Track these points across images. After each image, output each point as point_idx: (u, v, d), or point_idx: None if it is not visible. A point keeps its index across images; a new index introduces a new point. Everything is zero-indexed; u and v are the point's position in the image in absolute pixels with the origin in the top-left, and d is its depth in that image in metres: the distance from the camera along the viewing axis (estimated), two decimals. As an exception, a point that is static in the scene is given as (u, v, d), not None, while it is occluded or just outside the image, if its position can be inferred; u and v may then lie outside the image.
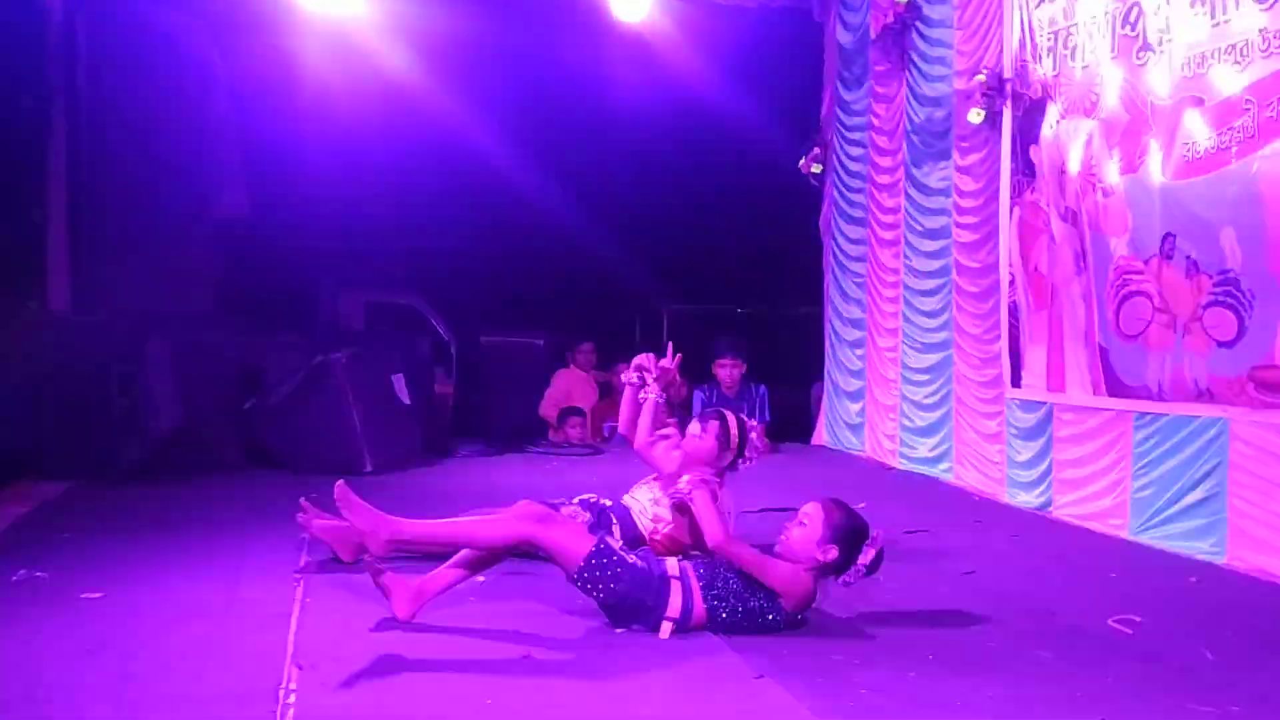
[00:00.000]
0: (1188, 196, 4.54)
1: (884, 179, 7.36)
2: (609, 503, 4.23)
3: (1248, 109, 4.20)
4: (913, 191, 6.98)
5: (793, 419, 8.61)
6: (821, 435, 8.35)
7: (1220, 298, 4.36)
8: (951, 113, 6.46)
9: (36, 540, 4.54)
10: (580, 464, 7.12)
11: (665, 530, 4.16)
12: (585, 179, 10.52)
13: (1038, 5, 5.57)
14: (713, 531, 3.36)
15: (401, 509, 5.32)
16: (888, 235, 7.33)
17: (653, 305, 11.75)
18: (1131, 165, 4.87)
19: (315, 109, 8.32)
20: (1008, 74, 5.82)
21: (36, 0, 6.24)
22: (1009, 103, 5.81)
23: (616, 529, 4.04)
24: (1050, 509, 5.45)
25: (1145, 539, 4.75)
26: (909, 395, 7.03)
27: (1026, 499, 5.66)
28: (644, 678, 2.88)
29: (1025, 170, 5.73)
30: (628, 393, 4.40)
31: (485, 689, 2.76)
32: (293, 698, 2.63)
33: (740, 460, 4.18)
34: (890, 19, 6.96)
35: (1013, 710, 2.67)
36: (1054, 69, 5.48)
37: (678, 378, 4.66)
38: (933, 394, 6.77)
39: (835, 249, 8.16)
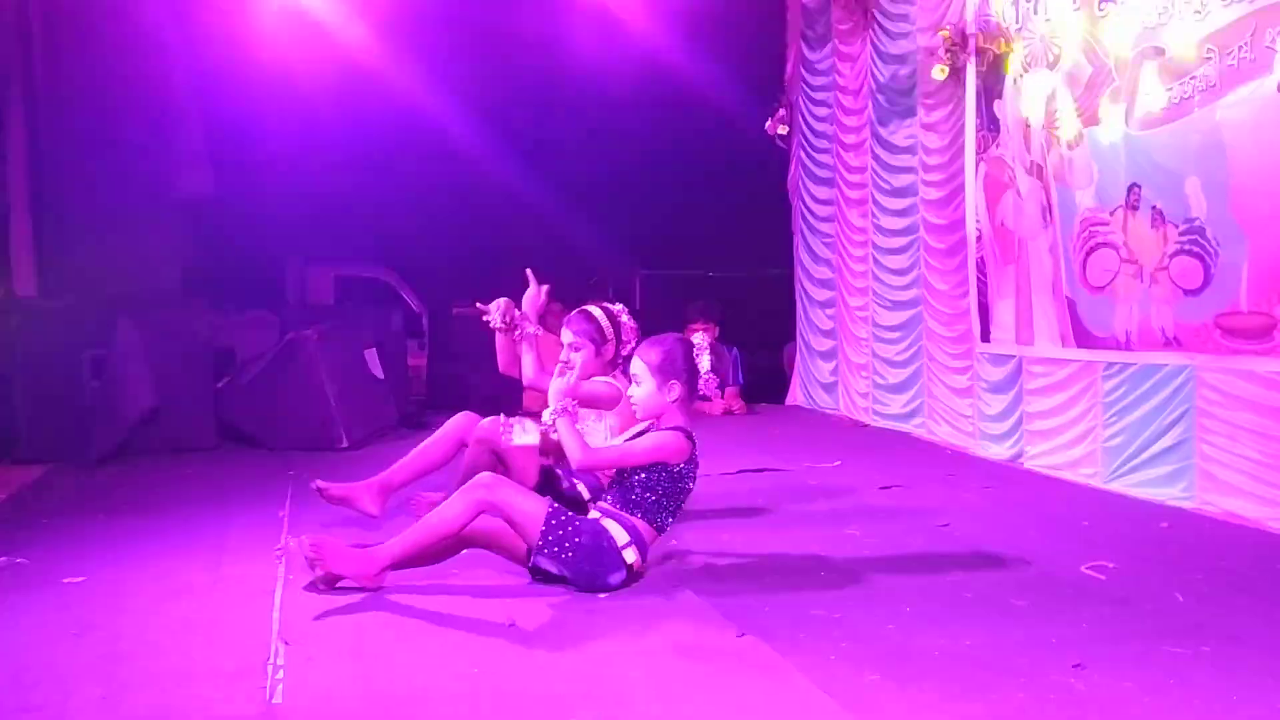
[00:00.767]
0: (1152, 147, 4.58)
1: (850, 138, 7.38)
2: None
3: (1209, 58, 4.24)
4: (879, 150, 7.00)
5: (767, 381, 8.67)
6: (796, 395, 8.41)
7: (1186, 246, 4.42)
8: (916, 70, 6.48)
9: (15, 526, 4.52)
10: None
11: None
12: (551, 146, 10.47)
13: (999, -41, 5.58)
14: (573, 454, 3.43)
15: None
16: (855, 194, 7.35)
17: (624, 271, 11.75)
18: (1094, 117, 4.91)
19: (277, 85, 8.22)
20: (971, 29, 5.83)
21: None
22: (972, 58, 5.83)
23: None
24: (1022, 460, 5.53)
25: (1116, 486, 4.83)
26: (880, 353, 7.09)
27: (998, 451, 5.74)
28: (628, 642, 2.92)
29: (990, 125, 5.76)
30: (500, 340, 4.38)
31: (471, 658, 2.79)
32: (281, 673, 2.65)
33: (622, 345, 4.22)
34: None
35: (991, 658, 2.73)
36: (1017, 22, 5.49)
37: (552, 306, 4.66)
38: (903, 351, 6.83)
39: (803, 210, 8.18)
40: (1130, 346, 4.78)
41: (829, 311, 7.87)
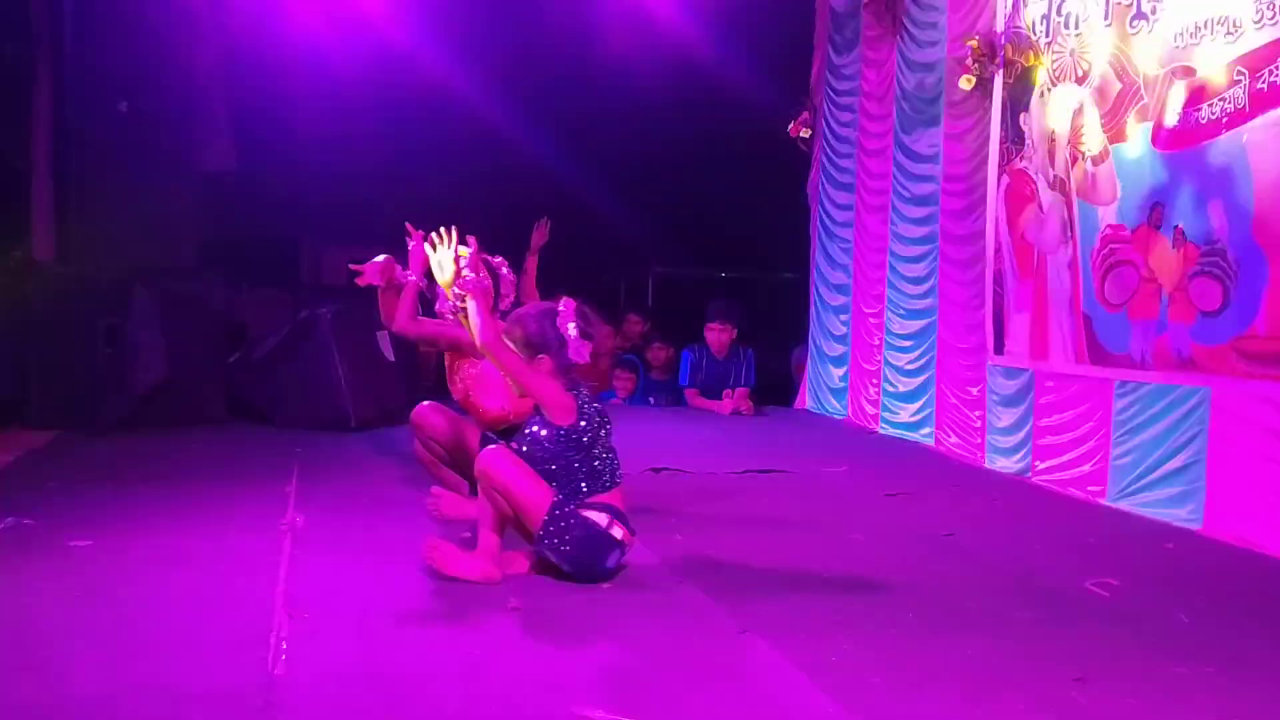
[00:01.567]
0: (1177, 166, 4.57)
1: (873, 145, 7.36)
2: None
3: (1238, 80, 4.22)
4: (901, 158, 6.98)
5: (773, 383, 8.66)
6: (804, 399, 8.40)
7: (1206, 268, 4.40)
8: (942, 79, 6.46)
9: (22, 488, 4.55)
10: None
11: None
12: (573, 140, 10.45)
13: (1032, -28, 5.56)
14: (483, 330, 3.41)
15: (386, 466, 5.38)
16: (875, 201, 7.34)
17: (639, 267, 11.73)
18: (1121, 134, 4.89)
19: (303, 63, 8.22)
20: (1000, 40, 5.81)
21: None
22: (1000, 70, 5.82)
23: None
24: (1029, 474, 5.52)
25: (1124, 505, 4.82)
26: (892, 361, 7.07)
27: (1006, 464, 5.72)
28: (629, 633, 2.92)
29: (1015, 138, 5.74)
30: (382, 297, 4.49)
31: (473, 639, 2.80)
32: (284, 645, 2.66)
33: (501, 299, 4.27)
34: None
35: (991, 668, 2.72)
36: (1047, 35, 5.48)
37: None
38: (915, 360, 6.82)
39: (823, 215, 8.17)
40: (1145, 366, 4.77)
41: (842, 317, 7.86)
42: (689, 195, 10.96)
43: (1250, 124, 4.16)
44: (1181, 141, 4.54)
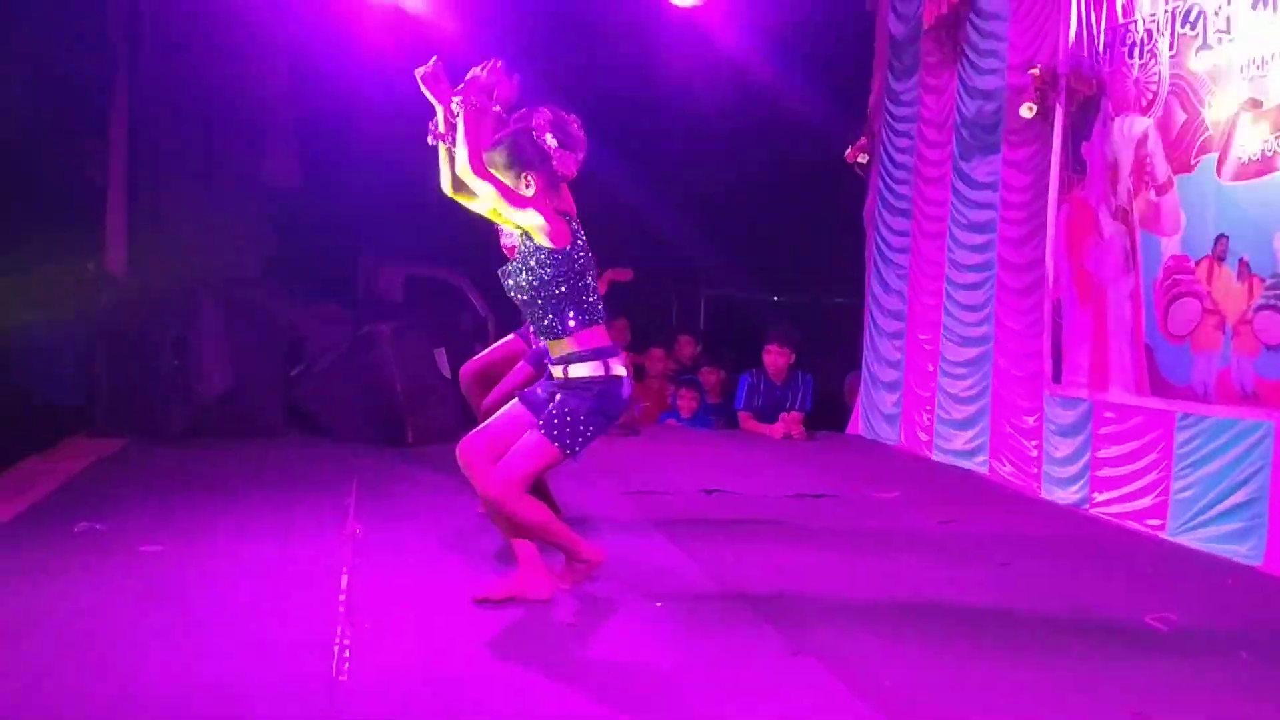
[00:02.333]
0: (1243, 198, 4.52)
1: (931, 171, 7.35)
2: None
3: (1307, 112, 4.18)
4: (960, 185, 6.96)
5: (828, 408, 8.64)
6: (857, 425, 8.37)
7: (1271, 301, 4.34)
8: (1002, 106, 6.44)
9: (94, 495, 4.69)
10: (616, 444, 7.18)
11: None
12: (628, 159, 10.52)
13: (1097, 1, 5.54)
14: (470, 152, 3.30)
15: (442, 481, 5.45)
16: (932, 228, 7.32)
17: (691, 289, 11.77)
18: (1185, 165, 4.85)
19: (367, 81, 8.37)
20: (1062, 69, 5.79)
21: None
22: (1062, 98, 5.79)
23: None
24: (1087, 506, 5.46)
25: (1184, 539, 4.74)
26: (946, 388, 7.03)
27: (1063, 495, 5.66)
28: (681, 651, 2.94)
29: (1075, 167, 5.71)
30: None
31: (530, 650, 2.84)
32: (347, 649, 2.72)
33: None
34: (944, 10, 6.93)
35: (1046, 698, 2.71)
36: (1110, 65, 5.45)
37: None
38: (971, 387, 6.77)
39: (879, 240, 8.15)
40: (1208, 399, 4.71)
41: (897, 343, 7.83)
42: (742, 217, 10.99)
43: (1319, 156, 4.12)
44: (1247, 173, 4.49)
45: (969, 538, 4.73)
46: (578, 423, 3.31)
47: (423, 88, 3.57)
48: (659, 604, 3.23)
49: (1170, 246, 4.94)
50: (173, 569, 3.49)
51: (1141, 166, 5.14)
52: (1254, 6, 4.48)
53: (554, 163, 3.40)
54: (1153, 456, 5.04)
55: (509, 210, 3.37)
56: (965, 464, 6.69)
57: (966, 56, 6.83)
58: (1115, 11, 5.39)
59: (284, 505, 4.63)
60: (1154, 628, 3.42)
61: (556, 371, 3.42)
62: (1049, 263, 5.91)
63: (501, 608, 3.22)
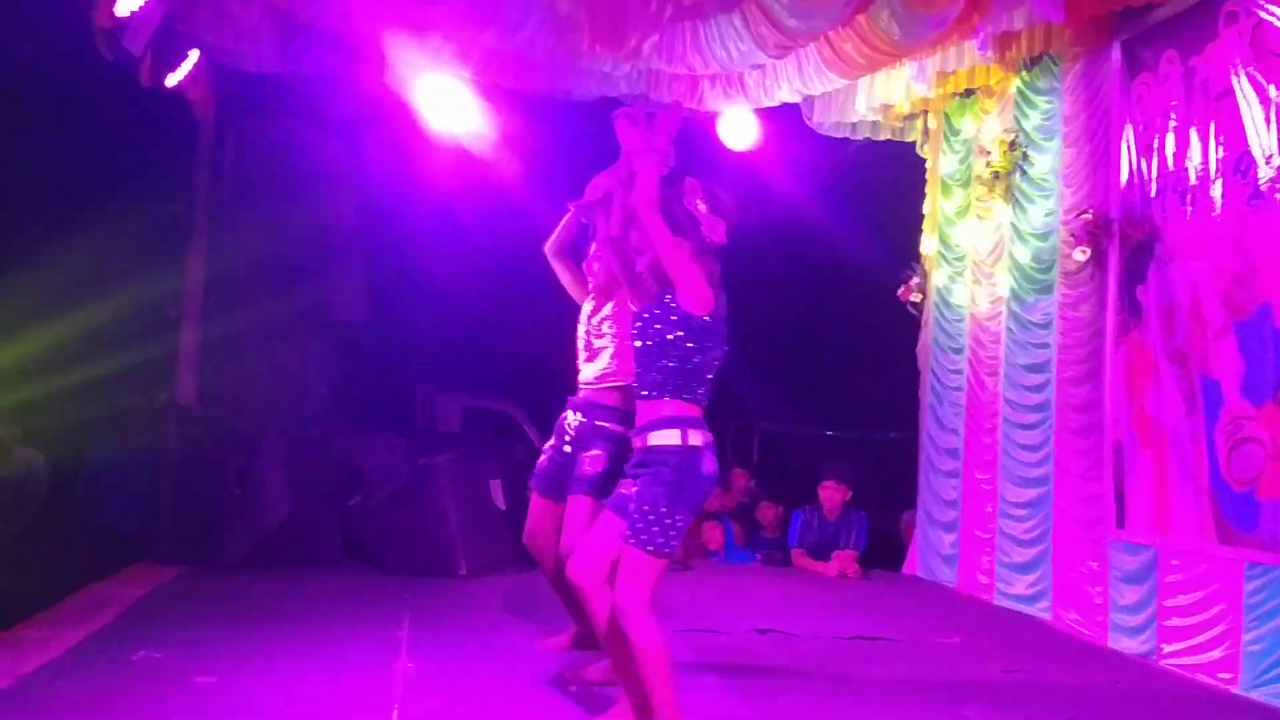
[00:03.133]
0: (1302, 344, 4.50)
1: (985, 311, 7.39)
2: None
3: (1365, 260, 4.18)
4: (1014, 325, 6.99)
5: (881, 546, 8.51)
6: (913, 565, 8.23)
7: (1337, 448, 4.27)
8: (1056, 248, 6.50)
9: (152, 622, 4.74)
10: (669, 580, 7.12)
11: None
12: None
13: (1146, 149, 5.64)
14: (641, 192, 3.28)
15: (495, 612, 5.44)
16: (987, 367, 7.32)
17: (744, 422, 11.78)
18: (1243, 309, 4.85)
19: (431, 217, 8.68)
20: (1114, 214, 5.86)
21: (190, 113, 6.74)
22: (1115, 242, 5.85)
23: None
24: (1156, 656, 5.29)
25: (1256, 695, 4.56)
26: (1006, 530, 6.91)
27: (1130, 644, 5.49)
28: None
29: (1131, 310, 5.73)
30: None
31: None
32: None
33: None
34: (994, 155, 7.09)
35: None
36: (1163, 211, 5.51)
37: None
38: (1031, 530, 6.65)
39: (933, 378, 8.16)
40: (1276, 548, 4.59)
41: (953, 482, 7.75)
42: (796, 353, 11.07)
43: (1379, 303, 4.10)
44: (1307, 318, 4.48)
45: (1035, 687, 4.60)
46: (661, 517, 3.18)
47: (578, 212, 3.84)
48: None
49: (1231, 391, 4.90)
50: (227, 701, 3.50)
51: (1198, 311, 5.14)
52: (1305, 156, 4.54)
53: (703, 228, 3.39)
54: (1221, 607, 4.89)
55: (666, 259, 3.31)
56: (1028, 609, 6.52)
57: (1019, 200, 6.95)
58: (1166, 159, 5.48)
59: (337, 636, 4.64)
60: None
61: (638, 441, 3.36)
62: (1108, 405, 5.87)
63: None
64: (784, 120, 7.84)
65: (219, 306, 7.14)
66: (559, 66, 6.50)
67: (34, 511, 5.34)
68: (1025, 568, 6.67)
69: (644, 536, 3.18)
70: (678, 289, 3.30)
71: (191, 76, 6.23)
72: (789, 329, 10.92)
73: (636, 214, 3.33)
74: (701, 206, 3.38)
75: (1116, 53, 5.91)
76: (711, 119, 7.57)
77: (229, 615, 4.97)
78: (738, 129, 7.89)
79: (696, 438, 3.26)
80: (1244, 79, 4.87)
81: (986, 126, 7.34)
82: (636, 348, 3.40)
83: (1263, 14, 4.75)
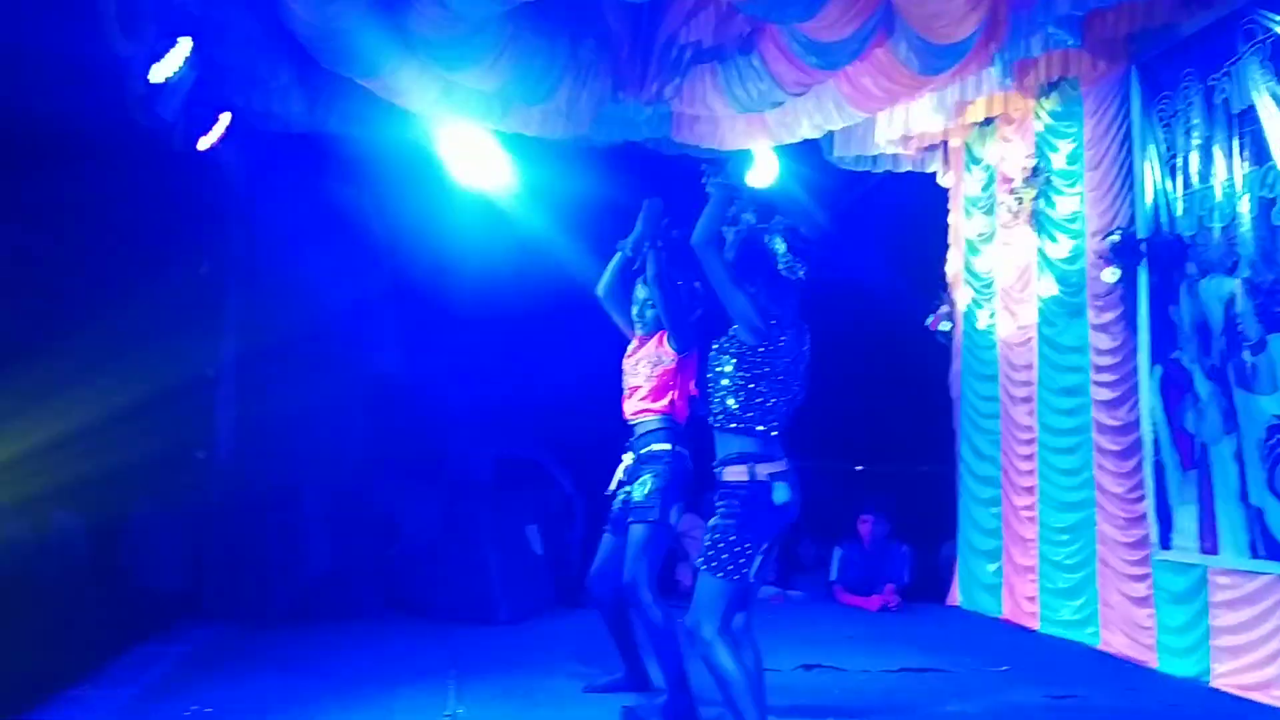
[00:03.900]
0: (1341, 355, 4.47)
1: (1015, 337, 7.38)
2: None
3: (1400, 268, 4.17)
4: (1046, 349, 6.97)
5: (923, 579, 8.43)
6: (956, 596, 8.15)
7: (1383, 459, 4.23)
8: (1084, 270, 6.50)
9: (200, 678, 4.76)
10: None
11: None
12: (707, 332, 10.70)
13: (1170, 169, 5.65)
14: (709, 228, 3.45)
15: (537, 657, 5.44)
16: (1021, 393, 7.29)
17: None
18: (1278, 323, 4.83)
19: (460, 269, 8.75)
20: (1141, 234, 5.87)
21: (221, 175, 6.86)
22: (1145, 262, 5.84)
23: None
24: (1209, 679, 5.21)
25: (1316, 713, 4.50)
26: (1049, 556, 6.85)
27: (1182, 667, 5.41)
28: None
29: (1165, 328, 5.71)
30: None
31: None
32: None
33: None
34: (1018, 184, 7.11)
35: None
36: (1191, 229, 5.51)
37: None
38: (1074, 554, 6.59)
39: (967, 406, 8.12)
40: (1327, 561, 4.54)
41: (993, 510, 7.69)
42: (825, 387, 11.03)
43: None
44: (1344, 330, 4.46)
45: (1086, 713, 4.54)
46: (730, 545, 3.33)
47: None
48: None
49: (1270, 405, 4.87)
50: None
51: (1233, 326, 5.13)
52: (1332, 168, 4.54)
53: (782, 267, 3.52)
54: (1273, 624, 4.83)
55: (723, 289, 3.47)
56: (1075, 635, 6.45)
57: (1044, 225, 6.96)
58: (1191, 177, 5.49)
59: (384, 686, 4.65)
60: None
61: (718, 474, 3.50)
62: (1145, 425, 5.84)
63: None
64: (806, 156, 7.89)
65: (255, 363, 7.22)
66: (582, 114, 6.58)
67: (76, 575, 5.39)
68: (1070, 593, 6.59)
69: (715, 563, 3.33)
70: (735, 315, 3.45)
71: (223, 139, 6.36)
72: (817, 364, 10.90)
73: (700, 247, 3.47)
74: (780, 246, 3.50)
75: (1135, 74, 5.95)
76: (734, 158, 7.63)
77: (276, 669, 4.99)
78: (759, 167, 7.95)
79: (764, 471, 3.39)
80: (1265, 94, 4.90)
81: (1008, 154, 7.38)
82: (708, 380, 3.55)
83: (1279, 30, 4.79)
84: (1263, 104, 4.91)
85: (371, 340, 7.93)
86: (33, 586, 4.62)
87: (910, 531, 8.31)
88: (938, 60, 5.61)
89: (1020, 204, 7.11)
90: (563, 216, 8.93)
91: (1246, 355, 5.04)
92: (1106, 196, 6.29)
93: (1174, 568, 5.58)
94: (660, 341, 4.79)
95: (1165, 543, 5.63)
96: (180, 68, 5.25)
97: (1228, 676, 5.07)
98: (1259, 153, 4.95)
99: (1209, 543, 5.27)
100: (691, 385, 4.67)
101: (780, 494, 3.40)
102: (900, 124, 7.40)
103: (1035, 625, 6.87)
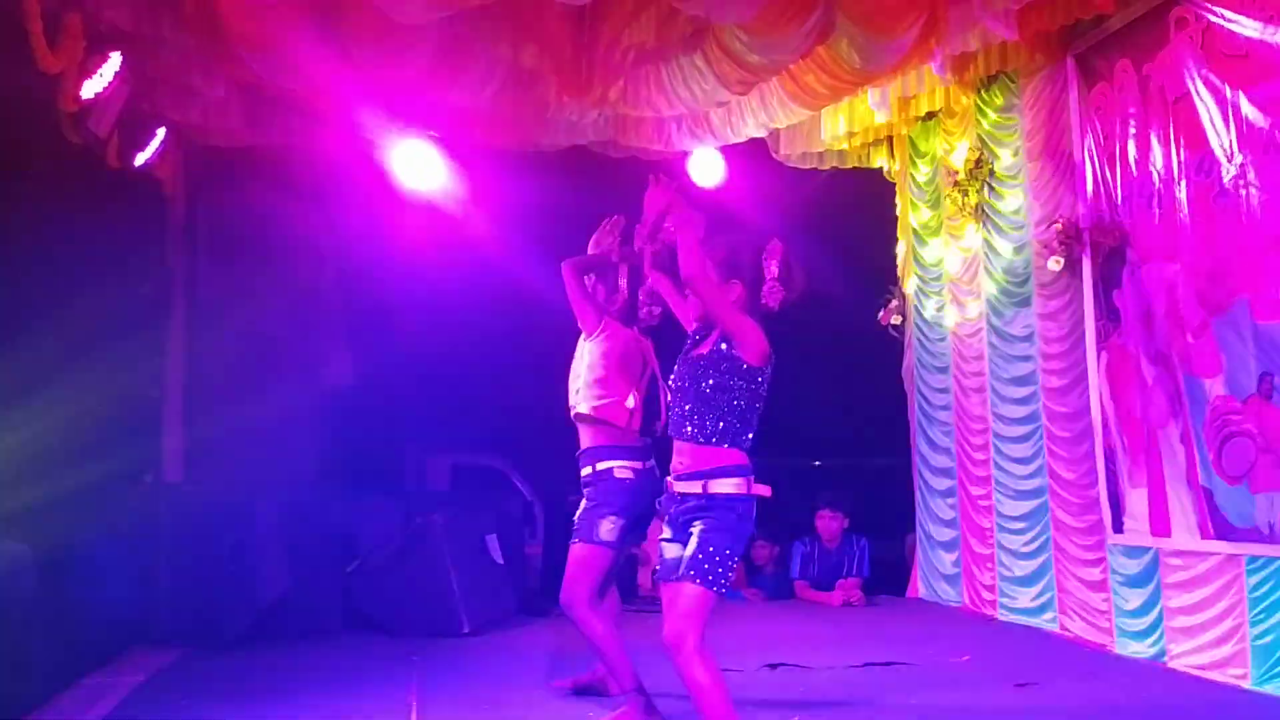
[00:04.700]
0: (1281, 336, 4.55)
1: (965, 328, 7.45)
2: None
3: (1334, 249, 4.25)
4: (995, 340, 7.04)
5: (885, 572, 8.48)
6: (917, 587, 8.21)
7: (1326, 436, 4.31)
8: (1030, 260, 6.58)
9: (156, 708, 4.66)
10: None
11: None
12: (665, 337, 10.70)
13: (1109, 157, 5.73)
14: (693, 255, 3.40)
15: (502, 668, 5.39)
16: (973, 383, 7.36)
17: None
18: (1220, 307, 4.91)
19: (407, 279, 8.68)
20: (1084, 222, 5.94)
21: (160, 191, 6.74)
22: (1087, 250, 5.92)
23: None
24: (1165, 659, 5.28)
25: (1269, 690, 4.57)
26: (1005, 544, 6.92)
27: (1139, 649, 5.49)
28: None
29: (1110, 315, 5.79)
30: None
31: None
32: None
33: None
34: (961, 177, 7.18)
35: None
36: (1131, 215, 5.59)
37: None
38: (1030, 542, 6.66)
39: (920, 399, 8.19)
40: (1274, 539, 4.61)
41: (950, 501, 7.76)
42: (778, 382, 11.06)
43: (1353, 290, 4.16)
44: (1282, 311, 4.54)
45: (1050, 700, 4.59)
46: (725, 558, 3.34)
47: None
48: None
49: (1215, 388, 4.95)
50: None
51: (1175, 311, 5.20)
52: (1266, 152, 4.62)
53: (764, 288, 3.50)
54: (1225, 603, 4.91)
55: (719, 312, 3.45)
56: (1034, 622, 6.52)
57: (989, 217, 7.03)
58: (1129, 165, 5.57)
59: (345, 706, 4.58)
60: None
61: (692, 488, 3.43)
62: (1094, 411, 5.91)
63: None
64: (750, 155, 7.91)
65: (202, 382, 7.09)
66: (526, 119, 6.54)
67: (22, 605, 5.25)
68: (1028, 580, 6.67)
69: (711, 577, 3.31)
70: (738, 342, 3.43)
71: (159, 154, 6.24)
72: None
73: (691, 283, 3.45)
74: (773, 270, 3.51)
75: (1071, 65, 6.03)
76: (681, 159, 7.64)
77: (234, 694, 4.89)
78: (705, 167, 7.96)
79: (751, 485, 3.44)
80: (1199, 82, 4.97)
81: (951, 147, 7.45)
82: (687, 396, 3.49)
83: (1211, 18, 4.86)
84: (1196, 90, 4.99)
85: (321, 354, 7.82)
86: (-23, 619, 4.50)
87: (868, 525, 8.35)
88: (879, 56, 5.65)
89: (965, 197, 7.18)
90: (511, 222, 8.88)
91: (1189, 338, 5.12)
92: (1048, 187, 6.36)
93: (1127, 551, 5.66)
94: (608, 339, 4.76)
95: (1118, 527, 5.71)
96: (111, 83, 5.14)
97: (1184, 657, 5.15)
98: (1195, 138, 5.03)
99: (1160, 525, 5.35)
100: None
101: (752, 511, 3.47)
102: (844, 120, 7.46)
103: (995, 613, 6.94)
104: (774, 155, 7.98)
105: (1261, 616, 4.68)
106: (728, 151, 7.78)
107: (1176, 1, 5.10)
